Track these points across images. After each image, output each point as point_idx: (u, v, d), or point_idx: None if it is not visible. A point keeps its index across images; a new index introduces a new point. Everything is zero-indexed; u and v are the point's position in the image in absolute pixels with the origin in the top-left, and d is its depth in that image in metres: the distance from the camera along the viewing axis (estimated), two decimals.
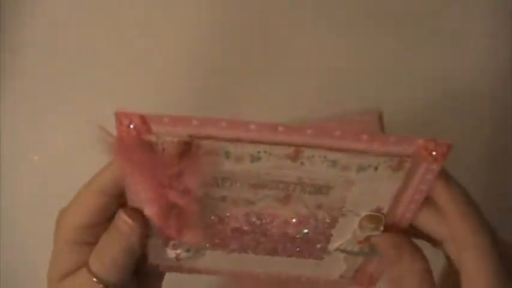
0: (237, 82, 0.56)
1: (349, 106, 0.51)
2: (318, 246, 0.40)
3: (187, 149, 0.32)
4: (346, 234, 0.39)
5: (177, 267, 0.42)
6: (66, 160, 0.53)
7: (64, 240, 0.38)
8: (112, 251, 0.37)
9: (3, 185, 0.55)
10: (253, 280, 0.46)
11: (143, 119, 0.31)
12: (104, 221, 0.38)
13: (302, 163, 0.33)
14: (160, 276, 0.44)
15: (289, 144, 0.32)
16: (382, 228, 0.38)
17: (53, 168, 0.49)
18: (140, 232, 0.37)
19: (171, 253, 0.40)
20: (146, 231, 0.37)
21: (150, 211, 0.36)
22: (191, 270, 0.42)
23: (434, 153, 0.33)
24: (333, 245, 0.40)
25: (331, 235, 0.39)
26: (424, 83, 0.56)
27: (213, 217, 0.38)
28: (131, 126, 0.32)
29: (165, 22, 0.55)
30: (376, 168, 0.34)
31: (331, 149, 0.33)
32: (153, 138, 0.32)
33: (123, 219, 0.37)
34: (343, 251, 0.40)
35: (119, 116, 0.31)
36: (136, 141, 0.32)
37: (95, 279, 0.37)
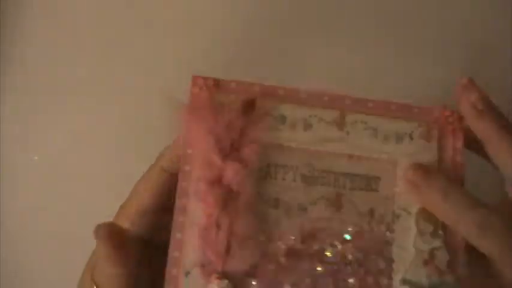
0: None
1: None
2: (383, 280, 0.36)
3: (250, 109, 0.37)
4: (407, 251, 0.36)
5: None
6: (66, 160, 0.53)
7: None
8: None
9: (3, 185, 0.54)
10: None
11: (216, 81, 0.38)
12: (162, 205, 0.38)
13: (348, 132, 0.38)
14: None
15: (335, 109, 0.38)
16: (441, 232, 0.37)
17: (53, 168, 0.49)
18: None
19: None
20: None
21: (201, 197, 0.36)
22: None
23: (450, 119, 0.39)
24: (398, 276, 0.36)
25: (393, 259, 0.36)
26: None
27: (264, 233, 0.36)
28: (204, 87, 0.37)
29: (167, 22, 0.56)
30: (411, 137, 0.38)
31: (370, 113, 0.38)
32: (222, 97, 0.37)
33: None
34: (411, 283, 0.36)
35: (195, 78, 0.37)
36: (207, 101, 0.37)
37: None
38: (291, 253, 0.36)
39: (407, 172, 0.37)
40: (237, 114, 0.37)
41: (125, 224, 0.38)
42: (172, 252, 0.35)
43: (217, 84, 0.38)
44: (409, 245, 0.36)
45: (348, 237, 0.37)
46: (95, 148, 0.54)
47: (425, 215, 0.37)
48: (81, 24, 0.58)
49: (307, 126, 0.38)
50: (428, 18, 0.58)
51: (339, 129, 0.38)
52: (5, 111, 0.55)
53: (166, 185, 0.38)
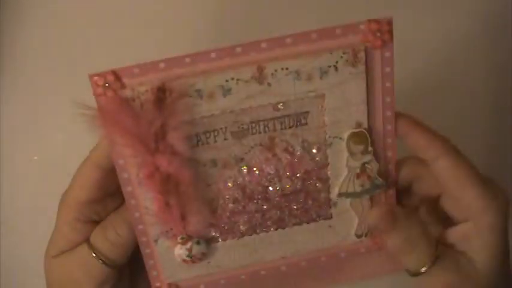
0: None
1: None
2: (322, 196, 0.40)
3: (162, 96, 0.34)
4: (341, 170, 0.39)
5: (196, 280, 0.41)
6: (66, 160, 0.49)
7: (65, 218, 0.38)
8: (119, 228, 0.38)
9: (3, 185, 0.54)
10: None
11: (115, 73, 0.34)
12: (103, 196, 0.39)
13: (269, 84, 0.36)
14: None
15: (251, 64, 0.35)
16: (371, 149, 0.38)
17: (53, 168, 0.48)
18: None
19: (182, 251, 0.39)
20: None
21: (149, 194, 0.37)
22: (208, 281, 0.42)
23: (379, 34, 0.35)
24: (335, 191, 0.40)
25: (328, 178, 0.39)
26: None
27: (210, 191, 0.39)
28: (106, 85, 0.34)
29: (167, 21, 0.56)
30: (336, 68, 0.36)
31: (289, 57, 0.35)
32: (128, 92, 0.34)
33: None
34: (346, 194, 0.40)
35: (93, 78, 0.34)
36: (115, 102, 0.34)
37: (94, 255, 0.38)
38: (238, 202, 0.40)
39: (370, 215, 0.40)
40: (151, 105, 0.34)
41: (70, 214, 0.39)
42: (137, 226, 0.39)
43: (117, 77, 0.34)
44: (342, 166, 0.39)
45: (287, 173, 0.39)
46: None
47: (356, 138, 0.38)
48: (81, 24, 0.55)
49: (226, 91, 0.36)
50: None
51: (260, 84, 0.36)
52: (5, 111, 0.53)
53: (103, 179, 0.38)
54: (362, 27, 0.36)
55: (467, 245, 0.39)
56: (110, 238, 0.38)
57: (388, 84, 0.37)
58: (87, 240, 0.39)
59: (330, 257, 0.42)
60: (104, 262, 0.38)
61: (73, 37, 0.54)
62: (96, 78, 0.34)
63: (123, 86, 0.34)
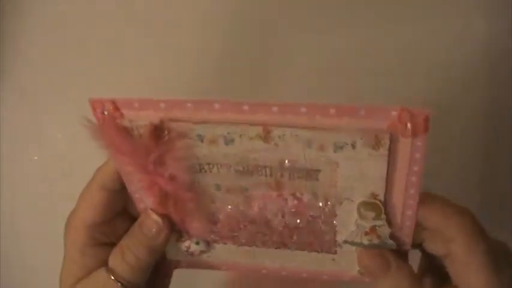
0: (239, 83, 0.54)
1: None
2: (327, 238, 0.38)
3: (160, 133, 0.33)
4: (349, 226, 0.37)
5: (195, 262, 0.42)
6: (66, 160, 0.52)
7: (74, 243, 0.38)
8: (137, 250, 0.38)
9: (3, 185, 0.54)
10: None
11: (114, 104, 0.33)
12: (111, 217, 0.38)
13: (276, 144, 0.33)
14: (168, 274, 0.44)
15: (257, 124, 0.32)
16: (384, 217, 0.35)
17: (53, 168, 0.49)
18: (166, 233, 0.38)
19: (182, 246, 0.40)
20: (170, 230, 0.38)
21: (148, 201, 0.37)
22: (207, 266, 0.42)
23: (409, 125, 0.30)
24: (341, 237, 0.38)
25: (336, 226, 0.37)
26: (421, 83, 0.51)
27: (213, 207, 0.38)
28: (105, 112, 0.33)
29: (167, 21, 0.54)
30: (353, 147, 0.32)
31: (300, 127, 0.32)
32: (126, 123, 0.33)
33: (152, 219, 0.37)
34: (352, 243, 0.38)
35: (92, 103, 0.33)
36: (113, 126, 0.33)
37: (112, 277, 0.38)
38: (240, 222, 0.39)
39: (362, 255, 0.37)
40: (148, 140, 0.34)
41: (79, 239, 0.38)
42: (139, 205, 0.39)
43: (115, 107, 0.33)
44: (350, 222, 0.37)
45: (292, 210, 0.37)
46: (95, 148, 0.49)
47: (368, 206, 0.35)
48: (81, 24, 0.55)
49: (229, 141, 0.33)
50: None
51: (265, 143, 0.33)
52: (5, 111, 0.54)
53: (109, 200, 0.37)
54: (394, 113, 0.30)
55: None
56: (129, 262, 0.38)
57: (415, 168, 0.33)
58: (105, 265, 0.39)
59: (331, 277, 0.42)
60: (123, 285, 0.38)
61: (73, 37, 0.53)
62: (95, 103, 0.33)
63: (121, 116, 0.33)
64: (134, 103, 0.32)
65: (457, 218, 0.35)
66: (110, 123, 0.33)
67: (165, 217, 0.38)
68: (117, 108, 0.33)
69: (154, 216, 0.37)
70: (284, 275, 0.42)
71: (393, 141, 0.31)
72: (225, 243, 0.41)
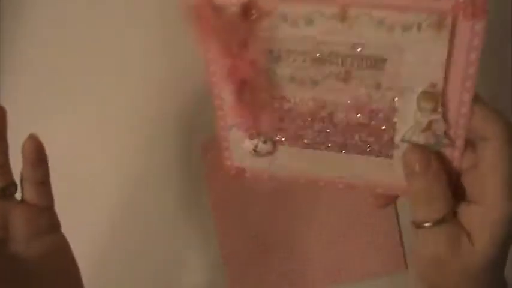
0: None
1: None
2: (385, 137, 0.42)
3: (248, 11, 0.38)
4: (408, 120, 0.40)
5: (258, 171, 0.46)
6: (66, 160, 0.52)
7: None
8: None
9: None
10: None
11: None
12: None
13: (350, 25, 0.37)
14: None
15: (335, 3, 0.37)
16: (440, 109, 0.39)
17: (53, 168, 0.48)
18: None
19: (249, 145, 0.44)
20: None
21: (227, 89, 0.42)
22: (269, 175, 0.46)
23: (471, 6, 0.34)
24: (399, 135, 0.41)
25: (395, 122, 0.41)
26: None
27: (284, 101, 0.42)
28: None
29: (167, 21, 0.55)
30: (419, 28, 0.36)
31: (374, 6, 0.36)
32: (220, 2, 0.38)
33: None
34: (409, 141, 0.41)
35: None
36: (209, 8, 0.38)
37: None
38: (306, 116, 0.43)
39: (408, 152, 0.40)
40: (238, 18, 0.38)
41: None
42: (217, 112, 0.45)
43: None
44: (409, 116, 0.40)
45: (356, 103, 0.42)
46: (95, 148, 0.53)
47: (426, 96, 0.39)
48: (81, 24, 0.56)
49: (309, 21, 0.38)
50: None
51: (341, 22, 0.37)
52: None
53: None
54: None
55: (471, 227, 0.40)
56: None
57: (473, 56, 0.36)
58: None
59: (385, 189, 0.45)
60: None
61: (74, 38, 0.55)
62: None
63: None
64: None
65: (503, 122, 0.38)
66: (206, 3, 0.38)
67: None
68: None
69: None
70: (340, 188, 0.46)
71: (455, 24, 0.35)
72: (290, 146, 0.45)
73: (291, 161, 0.45)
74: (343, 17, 0.37)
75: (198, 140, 0.60)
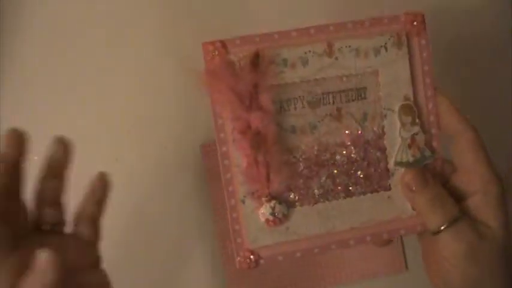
0: None
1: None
2: (381, 165, 0.47)
3: (256, 61, 0.44)
4: (395, 140, 0.47)
5: (277, 246, 0.46)
6: None
7: None
8: None
9: None
10: None
11: (223, 42, 0.44)
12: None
13: (336, 58, 0.46)
14: None
15: (323, 41, 0.46)
16: (418, 121, 0.47)
17: None
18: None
19: (267, 210, 0.45)
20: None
21: (241, 151, 0.44)
22: (289, 248, 0.46)
23: (415, 23, 0.47)
24: (391, 160, 0.47)
25: (385, 148, 0.47)
26: None
27: (290, 156, 0.46)
28: (216, 52, 0.43)
29: (167, 21, 0.60)
30: (386, 48, 0.47)
31: (350, 37, 0.46)
32: (232, 57, 0.44)
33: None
34: (401, 164, 0.47)
35: (206, 45, 0.44)
36: (222, 64, 0.43)
37: None
38: (313, 164, 0.47)
39: (404, 175, 0.47)
40: (248, 68, 0.43)
41: None
42: (227, 188, 0.45)
43: (224, 45, 0.44)
44: (396, 136, 0.48)
45: (348, 142, 0.47)
46: (95, 148, 0.55)
47: (404, 109, 0.47)
48: (81, 24, 0.58)
49: (305, 62, 0.45)
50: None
51: (329, 57, 0.46)
52: (5, 111, 0.56)
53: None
54: (402, 18, 0.47)
55: (479, 215, 0.46)
56: None
57: (426, 67, 0.48)
58: None
59: (391, 233, 0.48)
60: None
61: (74, 38, 0.58)
62: (208, 45, 0.43)
63: (228, 53, 0.44)
64: (236, 40, 0.44)
65: (466, 116, 0.48)
66: (220, 59, 0.43)
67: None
68: (224, 46, 0.44)
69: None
70: (351, 244, 0.47)
71: (409, 40, 0.47)
72: (302, 205, 0.46)
73: (305, 223, 0.46)
74: (330, 51, 0.46)
75: (198, 140, 0.59)
